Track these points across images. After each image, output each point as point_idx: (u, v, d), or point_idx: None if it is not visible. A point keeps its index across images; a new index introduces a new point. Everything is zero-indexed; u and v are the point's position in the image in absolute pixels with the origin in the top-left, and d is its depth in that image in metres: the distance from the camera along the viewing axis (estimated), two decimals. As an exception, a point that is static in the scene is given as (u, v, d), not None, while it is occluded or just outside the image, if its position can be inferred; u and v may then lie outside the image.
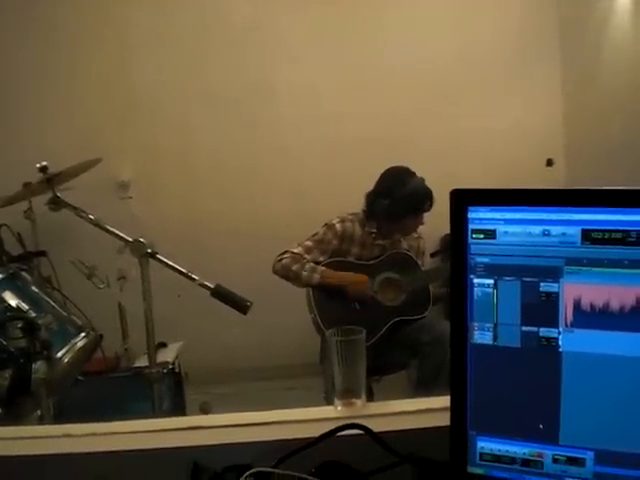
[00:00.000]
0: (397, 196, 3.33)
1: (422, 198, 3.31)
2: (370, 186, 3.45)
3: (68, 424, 1.38)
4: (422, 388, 3.25)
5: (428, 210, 3.34)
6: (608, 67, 4.17)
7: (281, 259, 3.34)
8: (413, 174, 3.37)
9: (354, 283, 3.33)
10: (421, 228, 3.51)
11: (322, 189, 4.46)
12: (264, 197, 4.57)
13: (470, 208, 0.96)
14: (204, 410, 3.34)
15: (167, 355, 3.46)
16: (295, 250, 3.35)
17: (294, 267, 3.31)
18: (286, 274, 3.33)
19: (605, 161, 3.96)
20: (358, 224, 3.45)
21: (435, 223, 3.24)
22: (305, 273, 3.30)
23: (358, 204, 3.49)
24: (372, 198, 3.43)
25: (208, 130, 4.60)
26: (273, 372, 4.36)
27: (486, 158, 4.54)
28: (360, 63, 4.58)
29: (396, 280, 3.39)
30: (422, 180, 3.35)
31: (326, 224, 3.44)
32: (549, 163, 4.41)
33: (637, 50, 3.83)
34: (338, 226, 3.41)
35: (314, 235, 3.41)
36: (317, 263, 3.34)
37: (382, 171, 3.44)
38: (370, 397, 2.71)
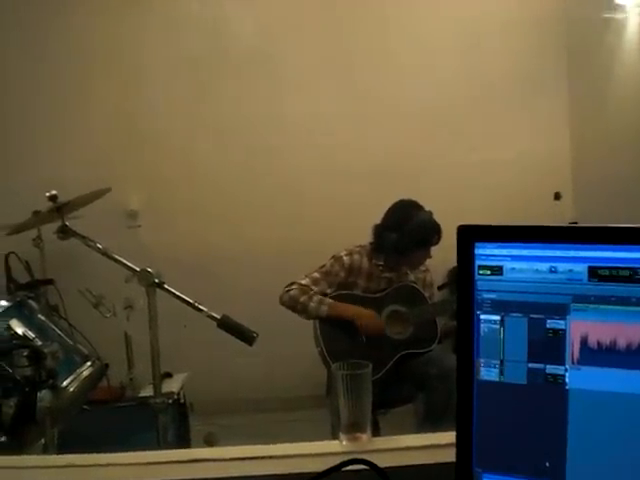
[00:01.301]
0: (405, 230, 3.33)
1: (430, 232, 3.32)
2: (377, 217, 3.46)
3: (72, 454, 1.37)
4: (429, 422, 3.22)
5: (436, 244, 3.34)
6: (616, 99, 4.17)
7: (289, 290, 3.34)
8: (421, 207, 3.38)
9: (365, 317, 3.31)
10: (428, 261, 3.50)
11: (330, 220, 4.47)
12: (271, 227, 4.57)
13: (477, 244, 0.96)
14: (208, 442, 3.32)
15: (172, 385, 3.46)
16: (302, 281, 3.35)
17: (301, 299, 3.30)
18: (293, 305, 3.32)
19: (614, 195, 3.96)
20: (365, 257, 3.45)
21: (442, 256, 3.24)
22: (313, 305, 3.29)
23: (365, 235, 3.49)
24: (380, 231, 3.44)
25: (215, 160, 4.63)
26: (279, 403, 4.34)
27: (493, 191, 4.53)
28: (366, 94, 4.61)
29: (403, 313, 3.38)
30: (430, 214, 3.36)
31: (334, 256, 3.44)
32: (557, 197, 4.41)
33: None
34: (346, 258, 3.41)
35: (321, 267, 3.41)
36: (324, 295, 3.34)
37: (389, 202, 3.45)
38: (376, 430, 2.67)
